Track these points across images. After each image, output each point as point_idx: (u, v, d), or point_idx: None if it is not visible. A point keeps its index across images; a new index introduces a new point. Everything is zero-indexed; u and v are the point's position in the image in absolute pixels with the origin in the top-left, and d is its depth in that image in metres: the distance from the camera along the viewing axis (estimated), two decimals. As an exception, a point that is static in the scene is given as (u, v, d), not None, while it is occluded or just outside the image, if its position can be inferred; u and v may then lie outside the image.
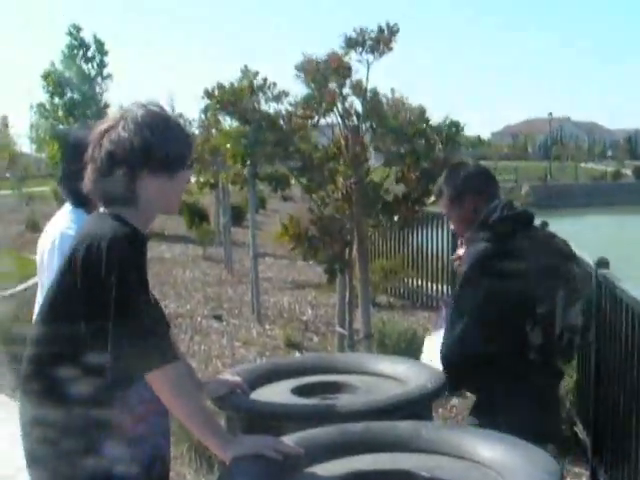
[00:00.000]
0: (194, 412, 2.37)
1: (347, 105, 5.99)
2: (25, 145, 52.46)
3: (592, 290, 4.89)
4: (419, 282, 11.32)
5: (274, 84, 6.76)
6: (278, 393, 3.13)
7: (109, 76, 27.10)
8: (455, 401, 6.41)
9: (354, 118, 6.02)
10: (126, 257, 2.30)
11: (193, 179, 14.12)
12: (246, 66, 8.13)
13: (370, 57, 5.92)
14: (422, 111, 6.18)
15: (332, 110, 5.94)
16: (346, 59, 5.90)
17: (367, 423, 2.60)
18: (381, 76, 6.15)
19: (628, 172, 65.02)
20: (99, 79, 26.87)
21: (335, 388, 3.21)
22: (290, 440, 2.45)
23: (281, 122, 6.24)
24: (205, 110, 12.89)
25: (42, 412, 2.38)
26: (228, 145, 6.98)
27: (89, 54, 26.62)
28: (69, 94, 26.16)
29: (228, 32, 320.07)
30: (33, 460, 2.44)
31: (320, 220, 6.13)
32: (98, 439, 2.34)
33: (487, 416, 3.20)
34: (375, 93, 5.99)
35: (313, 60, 5.88)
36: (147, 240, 2.45)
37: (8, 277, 10.92)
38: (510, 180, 49.18)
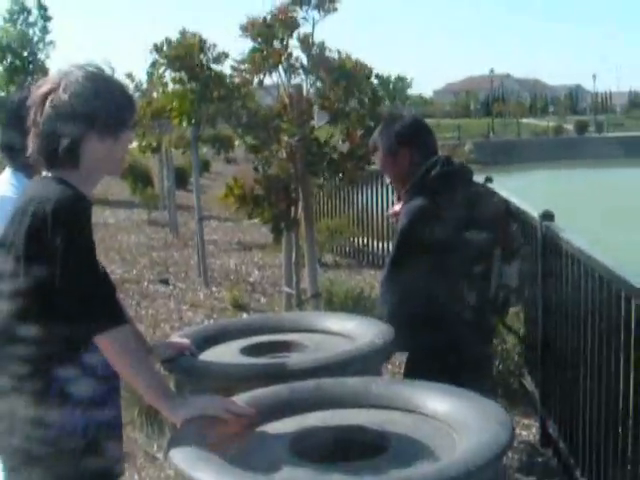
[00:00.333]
0: (143, 375, 2.34)
1: (293, 61, 5.94)
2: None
3: (533, 246, 4.92)
4: (365, 241, 11.36)
5: (214, 45, 6.67)
6: (227, 354, 3.12)
7: (52, 43, 26.58)
8: (402, 358, 6.43)
9: (300, 72, 5.98)
10: (72, 221, 2.27)
11: (135, 143, 13.95)
12: (184, 28, 8.03)
13: (316, 14, 5.91)
14: (369, 66, 6.15)
15: (278, 66, 5.88)
16: (293, 14, 5.85)
17: (317, 380, 2.59)
18: (326, 37, 6.09)
19: (570, 127, 65.69)
20: (41, 45, 26.34)
21: (284, 347, 3.20)
22: (241, 400, 2.44)
23: (227, 80, 6.18)
24: (151, 71, 12.63)
25: None
26: (174, 103, 6.88)
27: (31, 19, 26.07)
28: (9, 59, 25.62)
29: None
30: None
31: (265, 179, 6.08)
32: (46, 406, 2.30)
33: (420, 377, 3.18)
34: (322, 47, 5.93)
35: (258, 18, 5.82)
36: (92, 204, 2.41)
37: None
38: (453, 138, 49.58)
